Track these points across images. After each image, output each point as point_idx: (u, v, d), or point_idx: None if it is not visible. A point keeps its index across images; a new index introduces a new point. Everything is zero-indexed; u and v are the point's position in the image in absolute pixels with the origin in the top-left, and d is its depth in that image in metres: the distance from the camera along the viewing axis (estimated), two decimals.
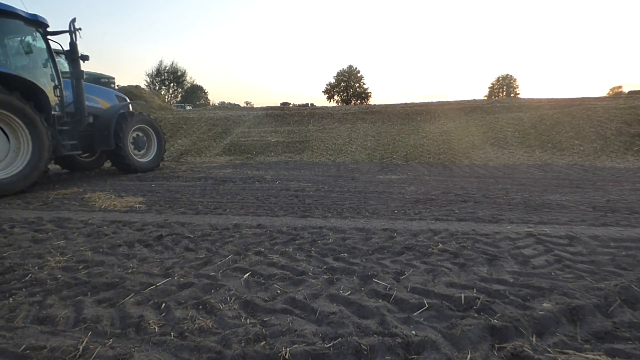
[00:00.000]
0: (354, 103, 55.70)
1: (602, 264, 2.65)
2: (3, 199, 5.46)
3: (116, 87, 18.49)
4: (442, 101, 15.11)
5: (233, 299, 2.24)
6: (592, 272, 2.51)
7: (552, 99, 14.04)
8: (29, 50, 6.44)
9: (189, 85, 70.79)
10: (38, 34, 6.62)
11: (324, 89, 65.29)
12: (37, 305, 2.20)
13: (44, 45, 6.72)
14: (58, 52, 7.05)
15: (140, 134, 8.38)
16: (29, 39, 6.51)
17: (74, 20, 6.91)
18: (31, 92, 6.11)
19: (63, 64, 7.34)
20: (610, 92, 51.99)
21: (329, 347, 1.71)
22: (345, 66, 65.30)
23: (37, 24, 6.54)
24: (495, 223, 3.79)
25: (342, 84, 63.44)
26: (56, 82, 6.82)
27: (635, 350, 1.66)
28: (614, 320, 1.91)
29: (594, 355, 1.63)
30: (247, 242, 3.32)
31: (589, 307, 1.99)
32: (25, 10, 6.39)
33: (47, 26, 6.75)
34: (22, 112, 5.76)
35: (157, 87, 63.22)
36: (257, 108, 16.79)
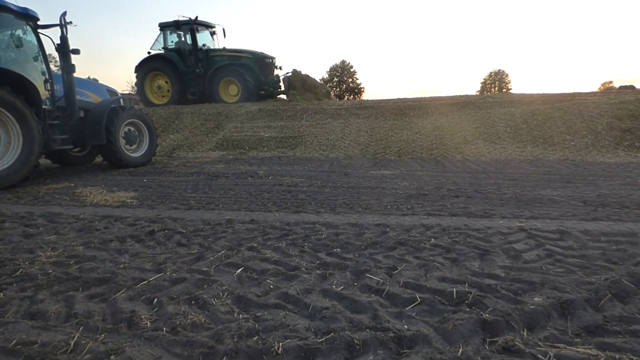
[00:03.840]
0: (347, 98, 55.53)
1: (592, 258, 2.68)
2: None
3: (279, 68, 16.64)
4: (434, 96, 15.09)
5: (226, 294, 2.24)
6: (583, 266, 2.54)
7: (543, 94, 14.06)
8: (19, 43, 6.35)
9: None
10: (28, 28, 6.53)
11: None
12: (28, 300, 2.18)
13: (34, 39, 6.63)
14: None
15: (132, 129, 8.30)
16: (19, 32, 6.42)
17: (64, 14, 6.82)
18: (21, 86, 6.02)
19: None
20: (602, 87, 52.23)
21: (322, 341, 1.71)
22: (338, 61, 65.05)
23: (27, 17, 6.44)
24: (487, 218, 3.82)
25: (335, 79, 63.06)
26: (47, 76, 6.74)
27: (625, 343, 1.68)
28: (605, 314, 1.93)
29: (584, 349, 1.65)
30: (240, 238, 3.31)
31: (580, 301, 2.01)
32: (16, 4, 6.29)
33: (38, 19, 6.65)
34: (12, 106, 5.69)
35: None
36: (250, 103, 16.66)
